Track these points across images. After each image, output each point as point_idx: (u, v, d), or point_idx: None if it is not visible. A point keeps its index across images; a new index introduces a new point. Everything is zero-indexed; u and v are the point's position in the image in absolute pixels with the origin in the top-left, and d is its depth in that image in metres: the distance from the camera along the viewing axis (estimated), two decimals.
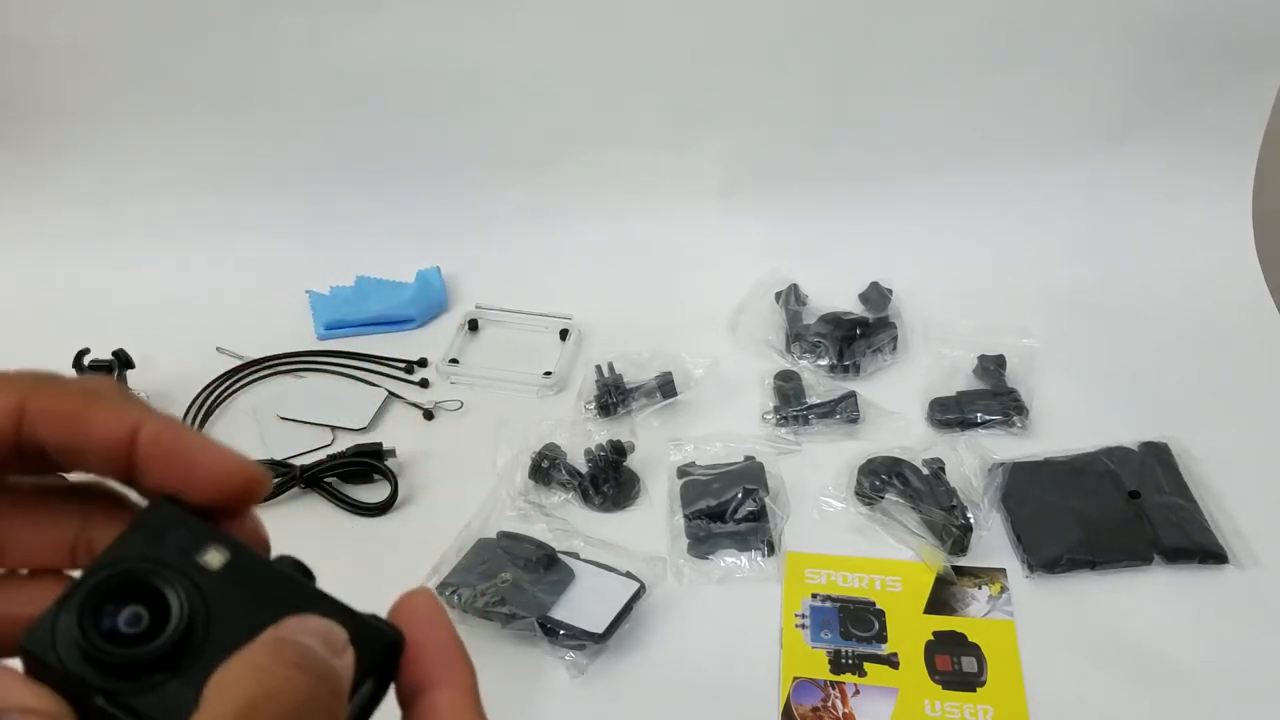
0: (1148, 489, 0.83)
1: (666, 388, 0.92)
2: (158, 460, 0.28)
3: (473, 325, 1.05)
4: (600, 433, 0.88)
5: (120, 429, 0.28)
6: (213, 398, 0.95)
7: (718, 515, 0.82)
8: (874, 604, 0.77)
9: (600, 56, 1.05)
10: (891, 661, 0.73)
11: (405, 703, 0.28)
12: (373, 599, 0.30)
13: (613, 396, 0.92)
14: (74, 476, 0.30)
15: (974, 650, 0.74)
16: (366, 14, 1.01)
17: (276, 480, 0.85)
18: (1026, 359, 0.96)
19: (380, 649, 0.28)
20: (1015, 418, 0.91)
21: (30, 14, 1.01)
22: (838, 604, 0.77)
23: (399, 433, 0.92)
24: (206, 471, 0.28)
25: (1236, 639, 0.74)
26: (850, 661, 0.73)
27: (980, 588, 0.78)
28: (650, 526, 0.83)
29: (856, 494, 0.84)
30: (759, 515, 0.81)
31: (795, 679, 0.72)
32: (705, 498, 0.82)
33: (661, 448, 0.89)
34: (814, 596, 0.78)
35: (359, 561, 0.69)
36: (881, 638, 0.75)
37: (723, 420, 0.92)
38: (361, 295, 1.07)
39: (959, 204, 1.11)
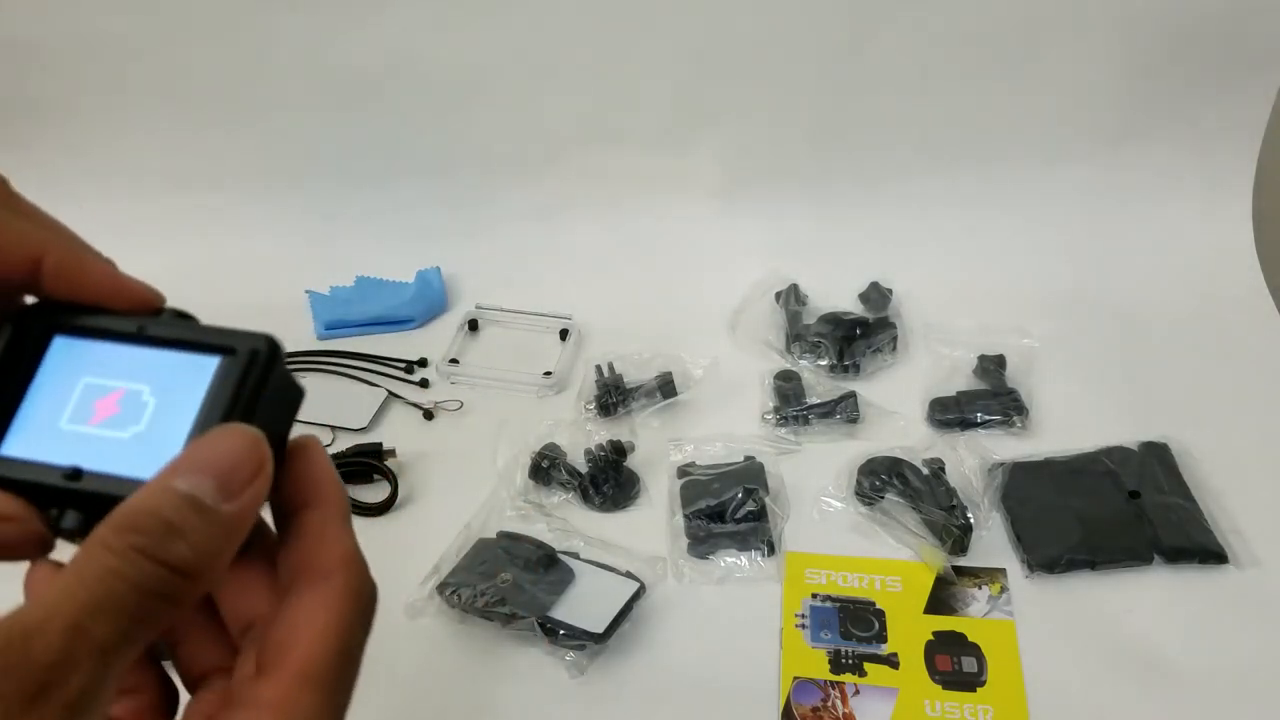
0: (1148, 489, 0.83)
1: (666, 388, 0.92)
2: (61, 285, 0.31)
3: (473, 325, 1.05)
4: (600, 433, 0.88)
5: (24, 256, 0.30)
6: None
7: (718, 515, 0.82)
8: (874, 604, 0.77)
9: (600, 56, 1.05)
10: (891, 661, 0.73)
11: (280, 525, 0.31)
12: None
13: (613, 396, 0.92)
14: None
15: (974, 650, 0.74)
16: (366, 14, 1.01)
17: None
18: (1026, 359, 0.96)
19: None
20: (1015, 418, 0.90)
21: (30, 14, 1.01)
22: (838, 604, 0.77)
23: (399, 433, 0.92)
24: (102, 296, 0.32)
25: (1236, 639, 0.74)
26: (850, 661, 0.73)
27: (980, 588, 0.78)
28: (650, 526, 0.83)
29: (856, 494, 0.84)
30: (759, 515, 0.81)
31: (795, 679, 0.72)
32: (705, 498, 0.82)
33: (661, 448, 0.89)
34: (814, 596, 0.78)
35: None
36: (881, 638, 0.75)
37: (723, 420, 0.92)
38: (361, 295, 1.07)
39: (959, 204, 1.11)
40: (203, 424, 0.30)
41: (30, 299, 0.33)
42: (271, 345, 0.31)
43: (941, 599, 0.77)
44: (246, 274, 1.10)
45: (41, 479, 0.30)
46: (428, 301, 1.06)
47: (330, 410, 0.94)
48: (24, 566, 0.30)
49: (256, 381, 0.30)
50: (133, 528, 0.26)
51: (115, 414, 0.31)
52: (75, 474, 0.30)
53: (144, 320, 0.32)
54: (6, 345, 0.32)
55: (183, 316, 0.32)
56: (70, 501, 0.29)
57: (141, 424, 0.30)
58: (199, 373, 0.31)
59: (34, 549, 0.29)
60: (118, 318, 0.32)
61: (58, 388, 0.31)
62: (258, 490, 0.28)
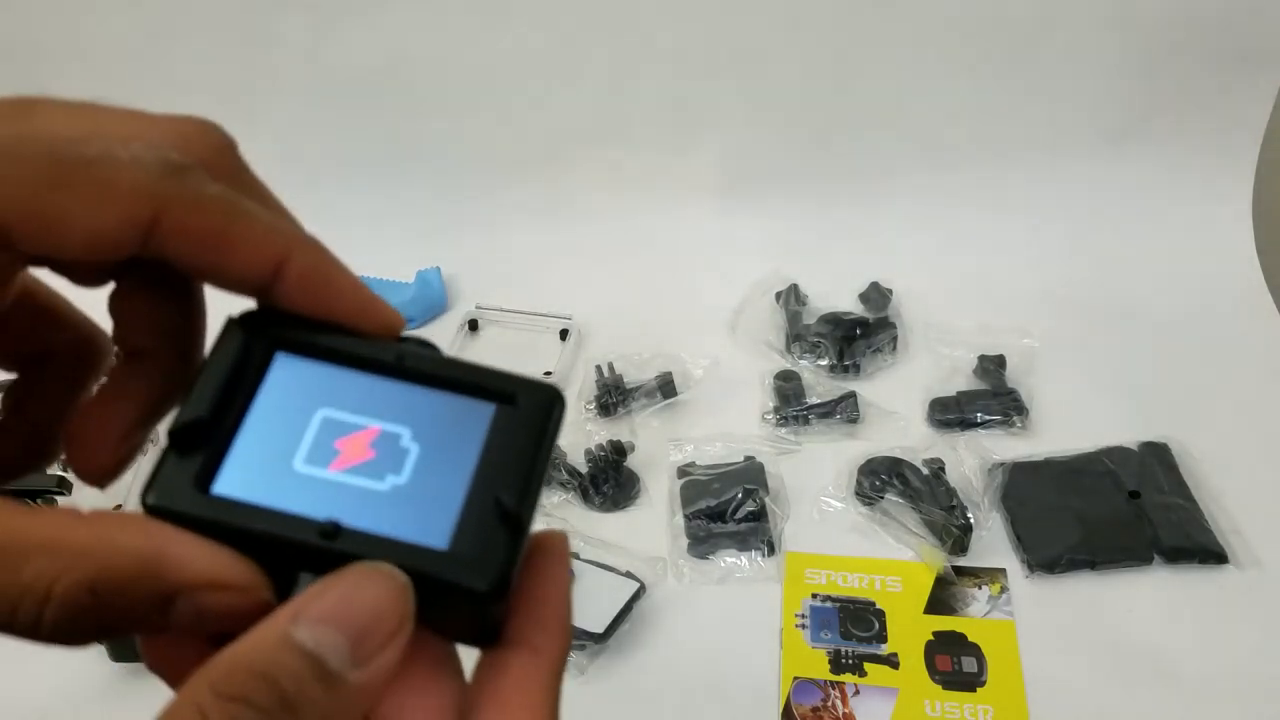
0: (1148, 489, 0.83)
1: (666, 388, 0.92)
2: (301, 296, 0.25)
3: (473, 325, 1.05)
4: (600, 433, 0.88)
5: (266, 259, 0.25)
6: None
7: (718, 515, 0.82)
8: (874, 604, 0.77)
9: (600, 56, 1.05)
10: (891, 661, 0.73)
11: (483, 640, 0.26)
12: None
13: (613, 396, 0.92)
14: None
15: (974, 650, 0.74)
16: (367, 13, 1.01)
17: None
18: (1026, 359, 0.96)
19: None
20: (1015, 418, 0.90)
21: (30, 14, 1.01)
22: (838, 604, 0.77)
23: None
24: (346, 316, 0.26)
25: (1236, 639, 0.74)
26: (850, 661, 0.73)
27: (980, 588, 0.78)
28: (650, 526, 0.83)
29: (856, 494, 0.84)
30: (759, 515, 0.81)
31: (795, 679, 0.72)
32: (705, 498, 0.82)
33: (661, 448, 0.89)
34: (814, 596, 0.78)
35: None
36: (881, 638, 0.75)
37: (723, 420, 0.92)
38: None
39: (959, 204, 1.11)
40: (480, 488, 0.25)
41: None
42: (561, 402, 0.26)
43: (941, 599, 0.77)
44: None
45: (289, 533, 0.23)
46: (428, 301, 1.06)
47: None
48: None
49: (549, 445, 0.26)
50: (241, 697, 0.20)
51: (369, 459, 0.25)
52: (333, 530, 0.24)
53: (401, 349, 0.26)
54: (239, 354, 0.25)
55: (426, 346, 0.27)
56: (314, 562, 0.23)
57: (403, 475, 0.25)
58: (470, 422, 0.26)
59: (250, 621, 0.22)
60: (363, 341, 0.26)
61: (286, 417, 0.25)
62: (394, 655, 0.22)
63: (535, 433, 0.26)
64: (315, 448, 0.25)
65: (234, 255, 0.24)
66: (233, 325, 0.26)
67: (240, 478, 0.24)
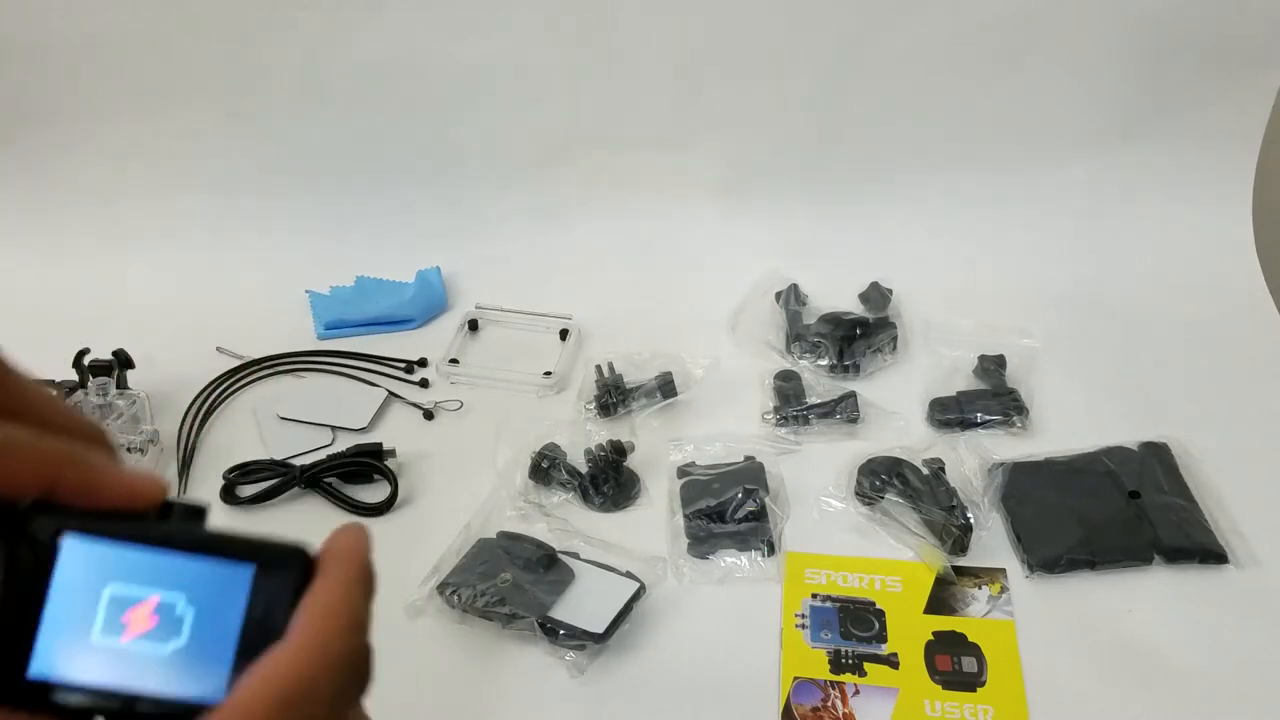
0: (1148, 489, 0.83)
1: (666, 388, 0.92)
2: (75, 500, 0.29)
3: (473, 325, 1.05)
4: (600, 433, 0.88)
5: (39, 483, 0.29)
6: (213, 398, 0.95)
7: (718, 515, 0.82)
8: (874, 604, 0.77)
9: (601, 57, 1.05)
10: (891, 661, 0.73)
11: None
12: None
13: (613, 396, 0.92)
14: None
15: (974, 650, 0.74)
16: (367, 14, 1.01)
17: (277, 481, 0.85)
18: (1026, 359, 0.96)
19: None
20: (1015, 418, 0.90)
21: (32, 14, 1.01)
22: (838, 604, 0.77)
23: (399, 433, 0.92)
24: (116, 505, 0.30)
25: (1236, 639, 0.74)
26: (850, 661, 0.73)
27: (980, 588, 0.78)
28: (650, 526, 0.83)
29: (856, 494, 0.84)
30: (759, 515, 0.81)
31: (795, 679, 0.72)
32: (705, 498, 0.82)
33: (661, 448, 0.89)
34: (814, 596, 0.78)
35: None
36: (881, 638, 0.75)
37: (723, 420, 0.92)
38: (361, 295, 1.07)
39: (959, 204, 1.11)
40: (248, 641, 0.29)
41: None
42: (308, 562, 0.30)
43: (941, 599, 0.77)
44: (247, 274, 1.10)
45: (91, 704, 0.29)
46: (428, 301, 1.06)
47: (330, 410, 0.94)
48: None
49: (296, 598, 0.30)
50: None
51: (152, 627, 0.29)
52: (131, 700, 0.29)
53: (169, 525, 0.31)
54: (27, 549, 0.30)
55: (195, 511, 0.31)
56: None
57: (182, 638, 0.30)
58: (235, 583, 0.30)
59: None
60: (133, 520, 0.30)
61: (81, 597, 0.30)
62: None
63: (291, 592, 0.30)
64: (107, 622, 0.29)
65: (11, 485, 0.28)
66: (13, 524, 0.30)
67: (48, 659, 0.29)
